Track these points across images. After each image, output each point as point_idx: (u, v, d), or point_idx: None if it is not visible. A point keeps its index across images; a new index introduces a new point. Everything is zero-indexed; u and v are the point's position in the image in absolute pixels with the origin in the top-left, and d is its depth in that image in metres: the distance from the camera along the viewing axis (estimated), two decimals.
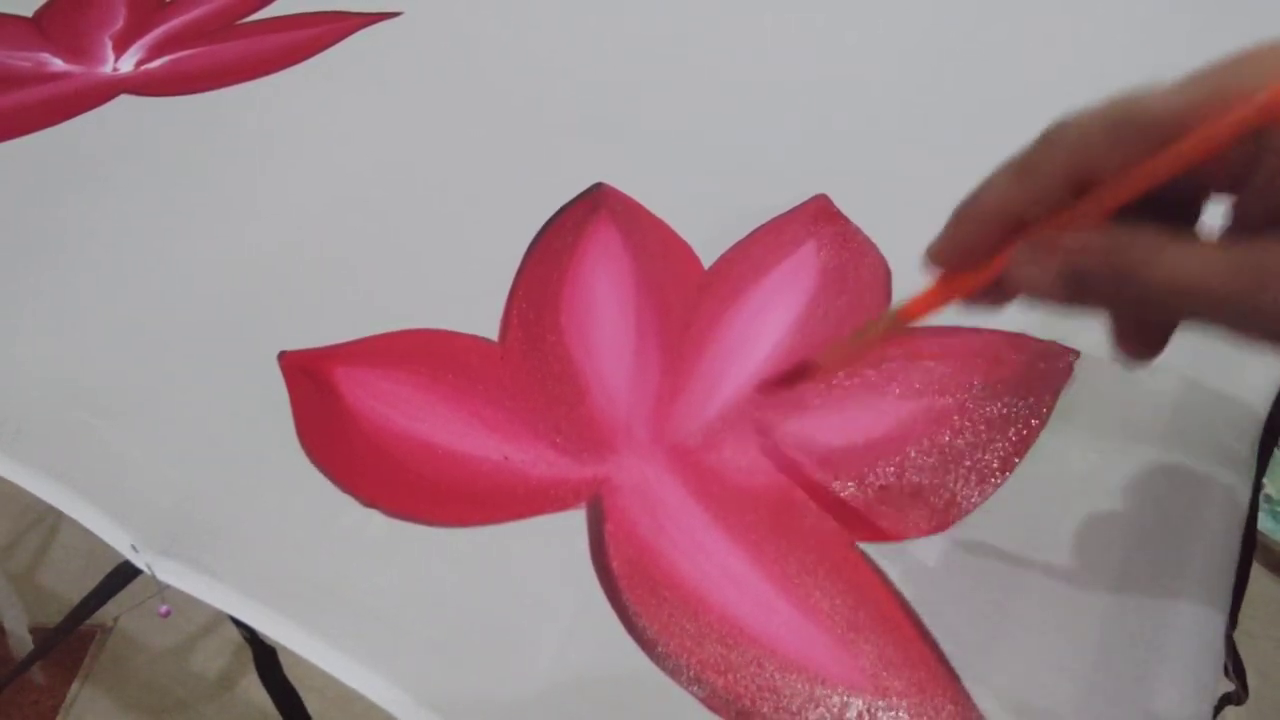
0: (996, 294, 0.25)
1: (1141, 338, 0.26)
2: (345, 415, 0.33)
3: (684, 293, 0.37)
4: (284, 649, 0.28)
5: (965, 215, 0.26)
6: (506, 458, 0.32)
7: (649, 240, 0.39)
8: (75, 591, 1.04)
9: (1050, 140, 0.24)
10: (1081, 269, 0.23)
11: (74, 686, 0.98)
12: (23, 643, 0.92)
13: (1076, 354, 0.33)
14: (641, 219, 0.40)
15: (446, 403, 0.33)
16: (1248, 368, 0.33)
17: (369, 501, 0.31)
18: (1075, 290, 0.24)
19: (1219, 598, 0.27)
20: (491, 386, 0.34)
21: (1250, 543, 0.29)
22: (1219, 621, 0.27)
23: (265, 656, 0.32)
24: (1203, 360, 0.33)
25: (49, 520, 1.11)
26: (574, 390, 0.34)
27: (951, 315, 0.35)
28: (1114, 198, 0.23)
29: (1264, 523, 1.00)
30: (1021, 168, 0.25)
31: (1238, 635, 0.29)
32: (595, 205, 0.41)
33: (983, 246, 0.25)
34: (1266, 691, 0.86)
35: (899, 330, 0.28)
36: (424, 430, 0.33)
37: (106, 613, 1.01)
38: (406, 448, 0.32)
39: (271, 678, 0.34)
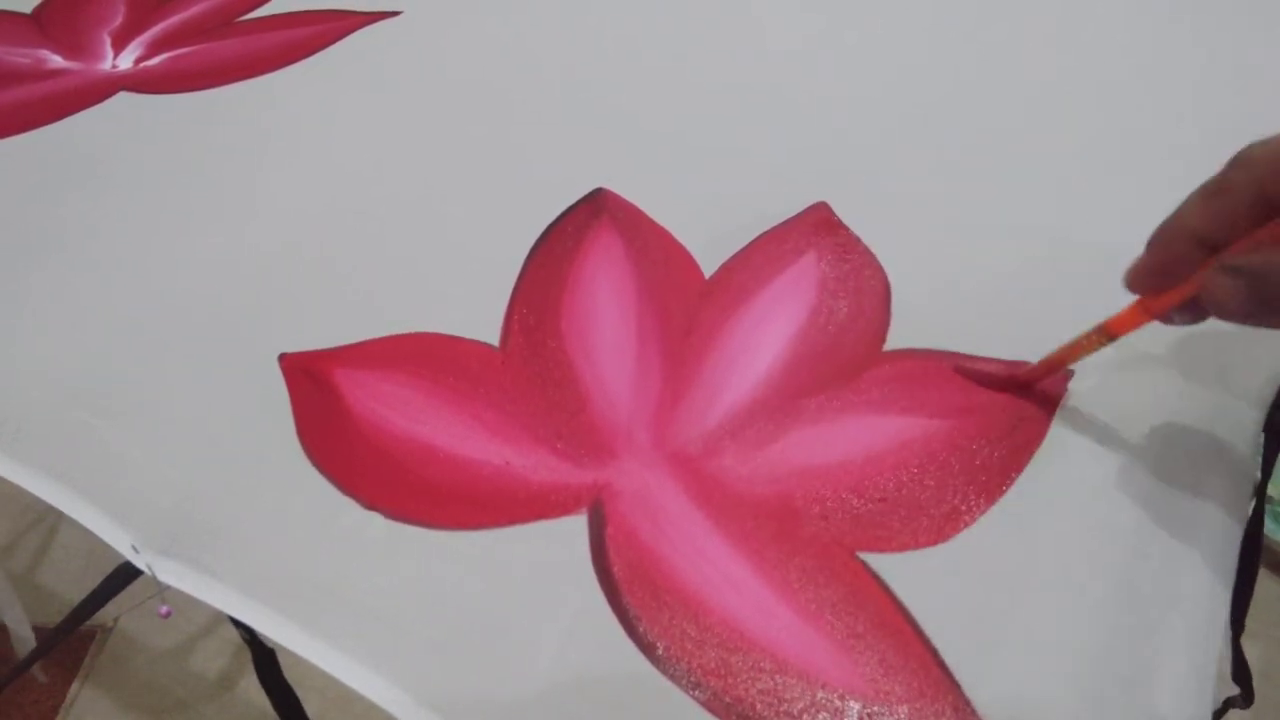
0: (1192, 311, 0.28)
1: None
2: (346, 417, 0.33)
3: (685, 300, 0.37)
4: (284, 649, 0.28)
5: (1160, 239, 0.28)
6: (508, 462, 0.32)
7: (650, 247, 0.39)
8: (75, 591, 1.04)
9: (1238, 166, 0.26)
10: (1264, 286, 0.25)
11: (74, 686, 0.98)
12: (25, 642, 0.92)
13: (1071, 372, 0.33)
14: (642, 225, 0.40)
15: (448, 406, 0.33)
16: (1249, 369, 0.33)
17: (369, 504, 0.31)
18: (1260, 306, 0.25)
19: (1219, 601, 0.27)
20: (493, 391, 0.34)
21: (1256, 546, 0.29)
22: (1219, 624, 0.27)
23: (264, 658, 0.32)
24: (1203, 362, 0.33)
25: (49, 520, 1.11)
26: (575, 396, 0.34)
27: (949, 339, 0.35)
28: None
29: (1265, 524, 1.00)
30: (1211, 193, 0.26)
31: (1241, 637, 0.29)
32: (596, 210, 0.41)
33: (1177, 267, 0.27)
34: (1268, 691, 0.86)
35: (1104, 343, 0.31)
36: (425, 433, 0.33)
37: (106, 613, 1.01)
38: (407, 450, 0.32)
39: (270, 679, 0.34)
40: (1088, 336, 0.31)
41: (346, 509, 0.31)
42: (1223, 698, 0.27)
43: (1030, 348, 0.33)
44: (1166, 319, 0.28)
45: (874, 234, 0.39)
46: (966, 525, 0.29)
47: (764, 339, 0.35)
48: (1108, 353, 0.33)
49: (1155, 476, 0.30)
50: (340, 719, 0.42)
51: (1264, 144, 0.26)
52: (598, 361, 0.34)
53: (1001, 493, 0.30)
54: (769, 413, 0.33)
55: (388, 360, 0.35)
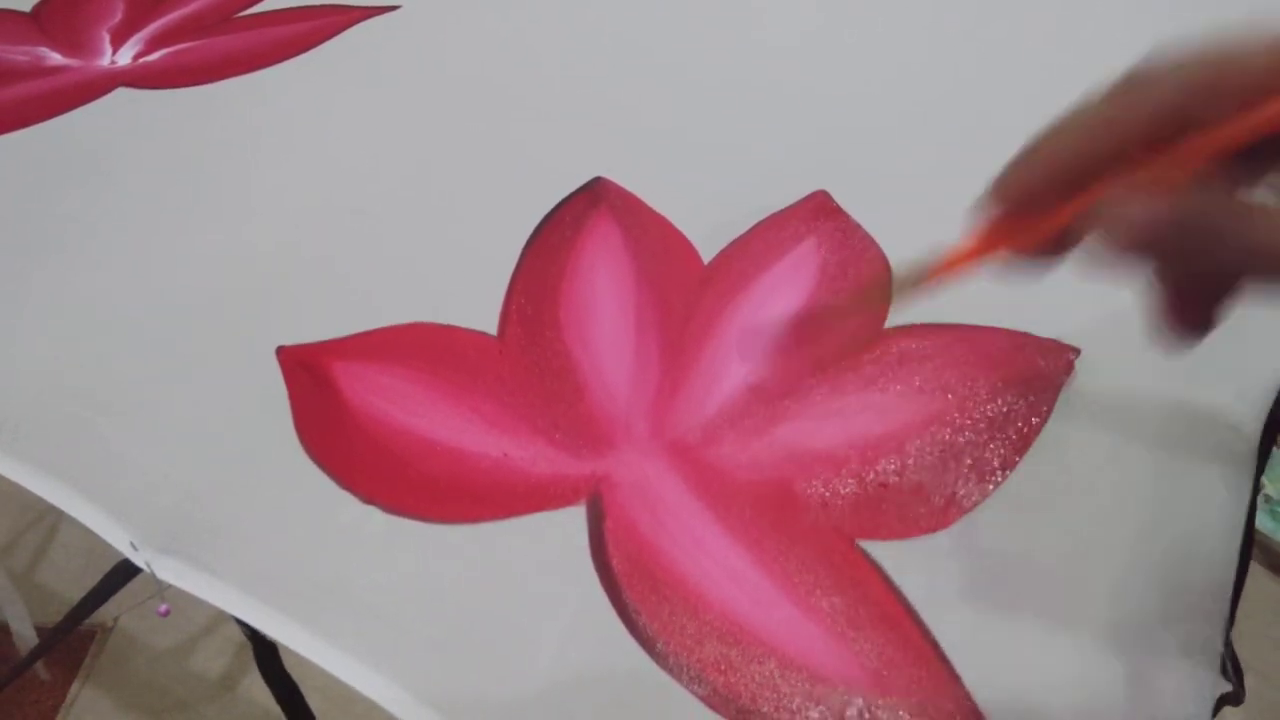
0: (1055, 246, 0.23)
1: (1192, 310, 0.24)
2: (344, 410, 0.33)
3: (684, 288, 0.37)
4: (284, 648, 0.28)
5: (1040, 152, 0.23)
6: (506, 454, 0.32)
7: (648, 235, 0.39)
8: (75, 591, 1.04)
9: (1143, 82, 0.22)
10: (1180, 220, 0.21)
11: (74, 686, 0.98)
12: (27, 641, 0.92)
13: (1077, 351, 0.33)
14: (641, 214, 0.40)
15: (446, 399, 0.33)
16: (1248, 368, 0.33)
17: (368, 498, 0.31)
18: (1164, 241, 0.21)
19: (1218, 598, 0.27)
20: (491, 382, 0.34)
21: (1248, 542, 0.29)
22: (1218, 621, 0.27)
23: (266, 651, 0.32)
24: (1203, 360, 0.33)
25: (49, 519, 1.10)
26: (573, 386, 0.33)
27: (953, 312, 0.35)
28: (1209, 148, 0.21)
29: (1264, 523, 1.00)
30: (1110, 107, 0.23)
31: (1236, 635, 0.29)
32: (594, 199, 0.40)
33: (1052, 189, 0.22)
34: (1265, 691, 0.85)
35: (927, 287, 0.25)
36: (423, 426, 0.33)
37: (107, 612, 1.01)
38: (405, 443, 0.32)
39: (272, 672, 0.33)
40: (903, 278, 0.25)
41: (345, 504, 0.31)
42: (1217, 694, 0.27)
43: (1029, 326, 0.33)
44: (1020, 254, 0.23)
45: (873, 223, 0.39)
46: (966, 511, 0.29)
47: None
48: (1111, 343, 0.33)
49: (1155, 471, 0.30)
50: (341, 718, 0.42)
51: (1172, 61, 0.22)
52: (596, 351, 0.34)
53: (1003, 479, 0.30)
54: (768, 399, 0.33)
55: (385, 352, 0.35)
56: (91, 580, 0.31)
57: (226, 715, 0.95)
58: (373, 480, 0.31)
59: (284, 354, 0.35)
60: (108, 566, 0.31)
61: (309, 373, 0.34)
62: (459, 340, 0.35)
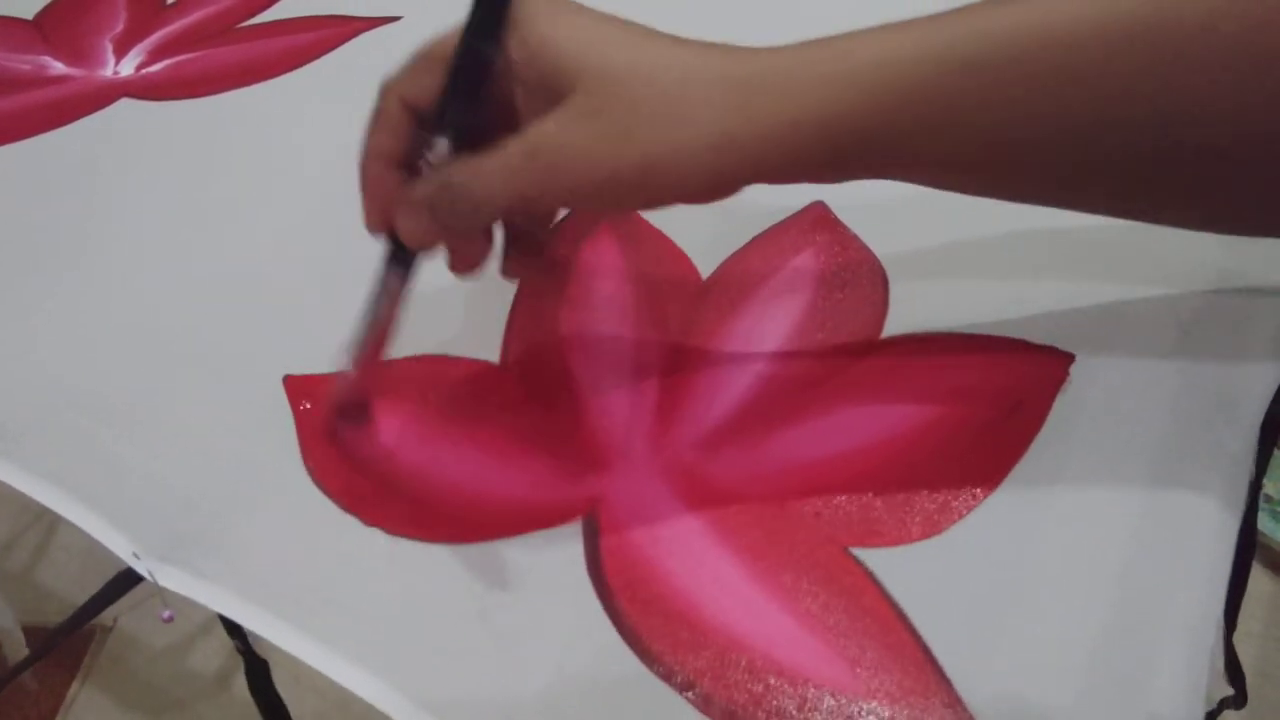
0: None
1: (525, 252, 0.31)
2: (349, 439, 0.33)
3: (682, 303, 0.37)
4: (280, 660, 0.28)
5: (367, 174, 0.30)
6: (506, 475, 0.32)
7: (646, 251, 0.39)
8: (74, 591, 1.04)
9: (384, 95, 0.29)
10: (434, 208, 0.27)
11: (73, 687, 0.98)
12: (16, 642, 0.92)
13: (1072, 358, 0.33)
14: (638, 229, 0.40)
15: (450, 424, 0.33)
16: (1248, 368, 0.33)
17: (369, 521, 0.31)
18: (442, 229, 0.28)
19: (1216, 599, 0.28)
20: (490, 407, 0.34)
21: (1249, 543, 0.29)
22: (1217, 623, 0.27)
23: (257, 668, 0.32)
24: (1203, 360, 0.33)
25: (47, 519, 1.11)
26: (572, 406, 0.34)
27: (948, 318, 0.35)
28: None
29: (1264, 523, 0.99)
30: (374, 129, 0.29)
31: (1237, 636, 0.29)
32: (592, 216, 0.41)
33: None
34: (1267, 691, 0.85)
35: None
36: (426, 452, 0.32)
37: (106, 612, 1.01)
38: (408, 469, 0.32)
39: (262, 691, 0.33)
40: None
41: (347, 525, 0.31)
42: (1218, 698, 0.27)
43: (1023, 332, 0.34)
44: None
45: (871, 230, 0.39)
46: (960, 518, 0.30)
47: (762, 338, 0.35)
48: (1106, 348, 0.33)
49: (1151, 473, 0.30)
50: (340, 719, 0.42)
51: (399, 68, 0.28)
52: (595, 371, 0.35)
53: (996, 485, 0.30)
54: (766, 412, 0.33)
55: (389, 386, 0.35)
56: (90, 581, 0.31)
57: (226, 715, 0.95)
58: (375, 504, 0.31)
59: (290, 383, 0.35)
60: (106, 567, 0.30)
61: (314, 402, 0.34)
62: (461, 368, 0.35)
